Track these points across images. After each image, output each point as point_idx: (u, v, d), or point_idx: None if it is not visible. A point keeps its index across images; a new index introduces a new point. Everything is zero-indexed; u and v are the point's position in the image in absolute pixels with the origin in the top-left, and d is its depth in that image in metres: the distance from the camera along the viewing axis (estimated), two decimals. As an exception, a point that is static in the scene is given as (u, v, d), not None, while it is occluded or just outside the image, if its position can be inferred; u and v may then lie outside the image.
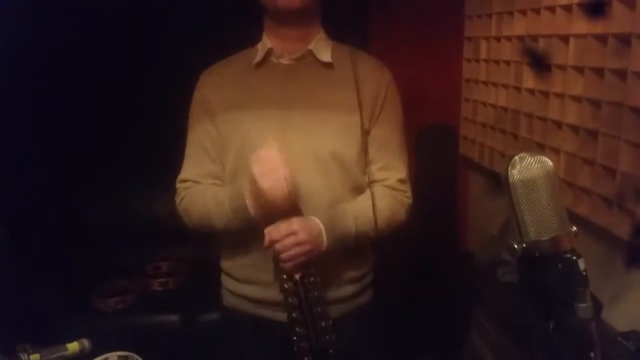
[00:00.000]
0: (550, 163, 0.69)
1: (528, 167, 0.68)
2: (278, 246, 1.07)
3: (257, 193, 1.07)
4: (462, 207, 2.64)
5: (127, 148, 2.45)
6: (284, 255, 1.07)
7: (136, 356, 1.80)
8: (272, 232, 1.08)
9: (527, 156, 0.69)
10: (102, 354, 1.75)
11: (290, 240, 1.07)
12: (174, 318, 2.20)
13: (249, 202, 1.11)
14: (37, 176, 2.34)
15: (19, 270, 2.18)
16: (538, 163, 0.68)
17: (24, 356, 0.73)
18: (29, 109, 2.29)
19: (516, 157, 0.69)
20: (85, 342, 0.87)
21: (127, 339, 1.90)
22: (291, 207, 1.10)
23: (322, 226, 1.13)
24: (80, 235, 2.46)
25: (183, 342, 2.16)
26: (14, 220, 2.28)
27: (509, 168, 0.68)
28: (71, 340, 0.85)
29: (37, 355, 0.75)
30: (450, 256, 2.53)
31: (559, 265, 0.65)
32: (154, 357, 1.82)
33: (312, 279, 1.08)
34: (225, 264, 1.32)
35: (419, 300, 2.20)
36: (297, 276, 1.08)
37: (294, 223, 1.09)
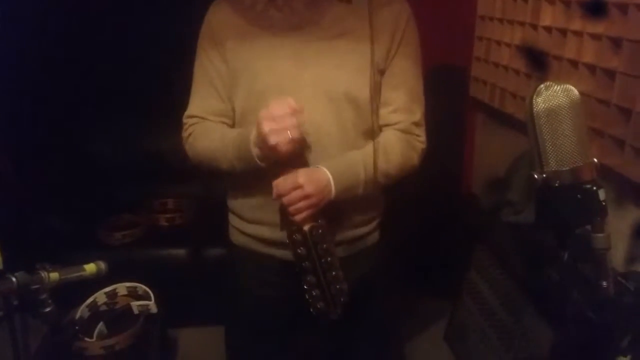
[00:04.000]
0: (577, 92, 0.67)
1: (554, 95, 0.66)
2: (285, 200, 1.05)
3: (264, 145, 1.04)
4: (468, 149, 2.63)
5: (137, 84, 2.40)
6: (291, 209, 1.06)
7: (144, 287, 1.86)
8: (279, 185, 1.06)
9: (553, 84, 0.66)
10: (111, 285, 1.81)
11: (297, 193, 1.05)
12: (181, 252, 2.24)
13: (255, 151, 1.08)
14: (47, 112, 2.32)
15: (28, 204, 2.21)
16: (564, 92, 0.66)
17: (44, 274, 0.75)
18: (41, 47, 2.25)
19: (542, 85, 0.66)
20: (102, 264, 0.88)
21: (135, 271, 1.96)
22: (298, 156, 1.07)
23: (330, 176, 1.09)
24: (88, 170, 2.47)
25: (190, 275, 2.21)
26: (23, 154, 2.28)
27: (534, 96, 0.66)
28: (87, 262, 0.86)
29: (56, 274, 0.76)
30: (454, 197, 2.55)
31: (578, 196, 0.65)
32: (161, 290, 1.89)
33: (320, 231, 1.08)
34: (233, 204, 1.30)
35: (421, 239, 2.23)
36: (305, 228, 1.07)
37: (300, 176, 1.06)
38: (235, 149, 1.13)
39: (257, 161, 1.09)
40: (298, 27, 1.15)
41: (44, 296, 0.74)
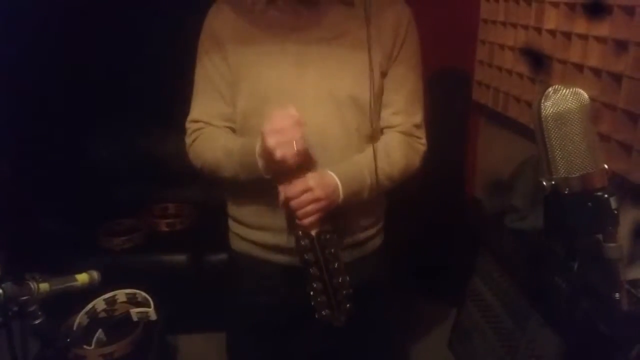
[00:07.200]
0: (586, 96, 0.64)
1: (563, 99, 0.63)
2: (294, 203, 1.04)
3: (270, 159, 1.03)
4: (471, 154, 2.61)
5: (138, 88, 2.38)
6: (300, 212, 1.04)
7: (143, 293, 1.83)
8: (288, 188, 1.05)
9: (562, 88, 0.64)
10: (110, 292, 1.79)
11: (307, 197, 1.04)
12: (181, 257, 2.21)
13: (260, 163, 1.07)
14: (47, 116, 2.30)
15: (27, 209, 2.19)
16: (573, 95, 0.64)
17: (33, 284, 0.72)
18: (40, 51, 2.23)
19: (550, 89, 0.64)
20: (95, 274, 0.86)
21: (135, 277, 1.93)
22: (303, 165, 1.06)
23: (337, 180, 1.09)
24: (88, 175, 2.45)
25: (190, 281, 2.19)
26: (22, 159, 2.27)
27: (542, 100, 0.64)
28: (80, 272, 0.83)
29: (46, 285, 0.73)
30: (457, 202, 2.52)
31: (589, 204, 0.62)
32: (161, 295, 1.86)
33: (328, 236, 1.06)
34: (234, 210, 1.28)
35: (424, 244, 2.20)
36: (313, 233, 1.05)
37: (310, 179, 1.05)
38: (240, 160, 1.12)
39: (263, 172, 1.08)
40: (299, 28, 1.13)
41: (33, 307, 0.71)
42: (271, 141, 1.00)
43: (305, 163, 1.05)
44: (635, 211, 1.40)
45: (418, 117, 1.20)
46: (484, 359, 1.93)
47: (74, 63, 2.34)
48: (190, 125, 1.23)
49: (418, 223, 2.19)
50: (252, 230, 1.24)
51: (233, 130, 1.22)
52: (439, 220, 2.28)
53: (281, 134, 1.00)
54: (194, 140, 1.21)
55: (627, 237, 1.32)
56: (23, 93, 2.21)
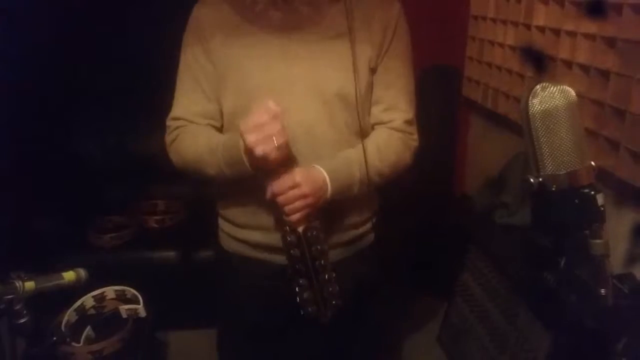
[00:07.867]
0: (574, 93, 0.65)
1: (550, 97, 0.63)
2: (281, 199, 1.03)
3: (252, 156, 1.02)
4: (461, 150, 2.61)
5: (126, 85, 2.36)
6: (287, 208, 1.03)
7: (132, 290, 1.82)
8: (274, 184, 1.03)
9: (550, 85, 0.64)
10: (99, 289, 1.78)
11: (294, 192, 1.03)
12: (171, 254, 2.21)
13: (245, 157, 1.04)
14: (34, 113, 2.28)
15: (15, 206, 2.17)
16: (561, 92, 0.64)
17: (18, 283, 0.71)
18: (27, 49, 2.20)
19: (538, 86, 0.64)
20: (82, 272, 0.84)
21: (124, 274, 1.92)
22: (286, 159, 1.04)
23: (326, 175, 1.07)
24: (77, 172, 2.43)
25: (180, 277, 2.18)
26: (11, 156, 2.24)
27: (530, 97, 0.64)
28: (67, 270, 0.82)
29: (32, 283, 0.72)
30: (447, 198, 2.53)
31: (576, 200, 0.63)
32: (151, 292, 1.85)
33: (315, 233, 1.05)
34: (223, 209, 1.26)
35: (414, 240, 2.21)
36: (300, 229, 1.04)
37: (297, 175, 1.04)
38: (224, 156, 1.09)
39: (249, 168, 1.06)
40: (287, 24, 1.12)
41: (18, 307, 0.70)
42: (250, 138, 0.98)
43: (288, 156, 1.03)
44: (635, 211, 1.42)
45: (410, 114, 1.19)
46: (473, 353, 1.94)
47: (62, 61, 2.32)
48: (171, 123, 1.21)
49: (408, 219, 2.20)
50: (242, 229, 1.23)
51: (216, 128, 1.20)
52: (428, 216, 2.29)
53: (260, 129, 0.98)
54: (174, 139, 1.19)
55: (627, 237, 1.34)
56: (9, 91, 2.18)
